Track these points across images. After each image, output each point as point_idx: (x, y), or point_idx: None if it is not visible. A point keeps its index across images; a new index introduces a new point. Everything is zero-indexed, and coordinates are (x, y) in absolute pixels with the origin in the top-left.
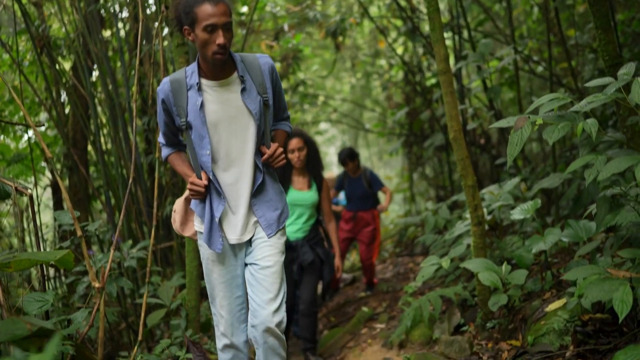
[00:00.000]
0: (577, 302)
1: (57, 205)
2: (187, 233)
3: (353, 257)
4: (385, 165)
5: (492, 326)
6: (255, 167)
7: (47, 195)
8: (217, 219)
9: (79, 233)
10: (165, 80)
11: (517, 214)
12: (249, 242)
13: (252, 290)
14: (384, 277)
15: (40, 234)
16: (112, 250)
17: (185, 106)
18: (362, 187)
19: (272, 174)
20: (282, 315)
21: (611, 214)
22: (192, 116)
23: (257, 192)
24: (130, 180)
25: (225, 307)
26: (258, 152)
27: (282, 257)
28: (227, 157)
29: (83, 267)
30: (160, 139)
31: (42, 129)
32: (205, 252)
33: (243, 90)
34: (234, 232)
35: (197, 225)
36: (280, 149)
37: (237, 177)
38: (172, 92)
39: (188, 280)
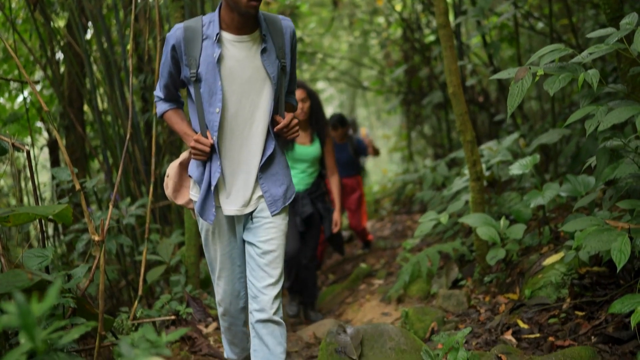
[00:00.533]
0: (574, 255)
1: (54, 165)
2: (180, 201)
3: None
4: (384, 124)
5: (489, 280)
6: (267, 135)
7: (43, 156)
8: (212, 187)
9: (77, 187)
10: (179, 26)
11: (515, 169)
12: (250, 216)
13: (252, 274)
14: (382, 235)
15: (38, 192)
16: (110, 206)
17: (198, 57)
18: (347, 154)
19: (280, 146)
20: (280, 300)
21: (610, 166)
22: (205, 68)
23: (265, 163)
24: (127, 138)
25: (223, 278)
26: (272, 121)
27: (284, 240)
28: (234, 120)
29: (82, 225)
30: (158, 92)
31: (38, 87)
32: (203, 222)
33: (264, 50)
34: (234, 203)
35: (193, 194)
36: (296, 120)
37: (242, 143)
38: (185, 40)
39: (187, 237)
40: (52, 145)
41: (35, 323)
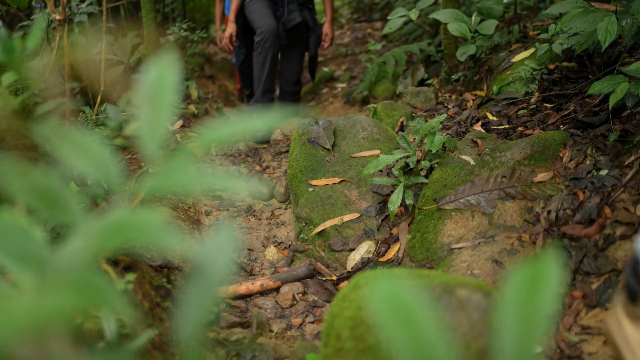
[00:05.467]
0: (547, 48)
1: None
2: None
3: None
4: None
5: (456, 79)
6: None
7: None
8: None
9: None
10: None
11: None
12: None
13: None
14: (342, 42)
15: None
16: None
17: None
18: None
19: None
20: None
21: None
22: None
23: None
24: None
25: None
26: None
27: None
28: None
29: (29, 22)
30: None
31: None
32: None
33: None
34: None
35: None
36: None
37: None
38: None
39: (146, 33)
40: None
41: (22, 59)
